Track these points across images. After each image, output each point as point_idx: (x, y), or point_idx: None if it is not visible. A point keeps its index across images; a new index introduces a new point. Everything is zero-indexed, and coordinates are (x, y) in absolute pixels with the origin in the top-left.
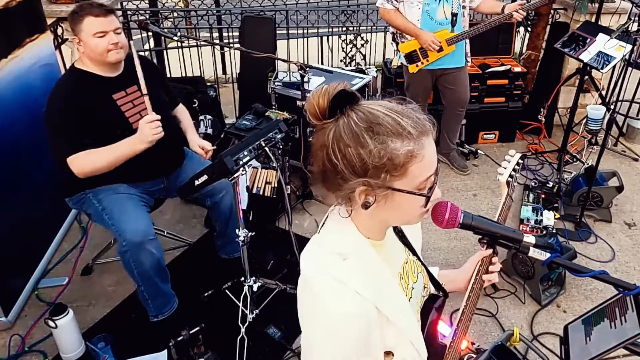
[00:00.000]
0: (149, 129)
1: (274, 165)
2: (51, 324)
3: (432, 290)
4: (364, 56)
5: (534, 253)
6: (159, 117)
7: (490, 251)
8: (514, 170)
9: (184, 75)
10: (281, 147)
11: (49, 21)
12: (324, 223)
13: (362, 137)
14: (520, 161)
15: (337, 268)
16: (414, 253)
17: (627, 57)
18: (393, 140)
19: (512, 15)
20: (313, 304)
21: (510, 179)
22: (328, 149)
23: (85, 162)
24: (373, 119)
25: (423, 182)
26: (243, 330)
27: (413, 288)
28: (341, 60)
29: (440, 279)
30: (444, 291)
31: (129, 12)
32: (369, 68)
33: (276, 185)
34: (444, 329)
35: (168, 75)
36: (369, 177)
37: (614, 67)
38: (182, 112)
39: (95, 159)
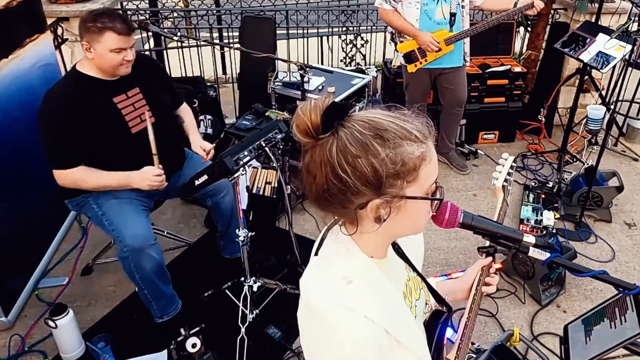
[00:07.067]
0: (150, 180)
1: (274, 165)
2: (51, 324)
3: (434, 305)
4: (364, 56)
5: (533, 253)
6: (162, 172)
7: (489, 260)
8: (508, 174)
9: (184, 75)
10: (281, 147)
11: (49, 21)
12: (320, 244)
13: (371, 145)
14: (514, 164)
15: (343, 293)
16: (414, 269)
17: (627, 57)
18: (408, 142)
19: (532, 5)
20: (324, 336)
21: (505, 184)
22: (333, 164)
23: (69, 182)
24: (378, 126)
25: (430, 186)
26: (243, 330)
27: (416, 306)
28: (341, 60)
29: (439, 291)
30: (448, 306)
31: (129, 12)
32: (369, 68)
33: (276, 185)
34: (449, 333)
35: None
36: (384, 187)
37: (614, 67)
38: (185, 111)
39: (82, 182)
